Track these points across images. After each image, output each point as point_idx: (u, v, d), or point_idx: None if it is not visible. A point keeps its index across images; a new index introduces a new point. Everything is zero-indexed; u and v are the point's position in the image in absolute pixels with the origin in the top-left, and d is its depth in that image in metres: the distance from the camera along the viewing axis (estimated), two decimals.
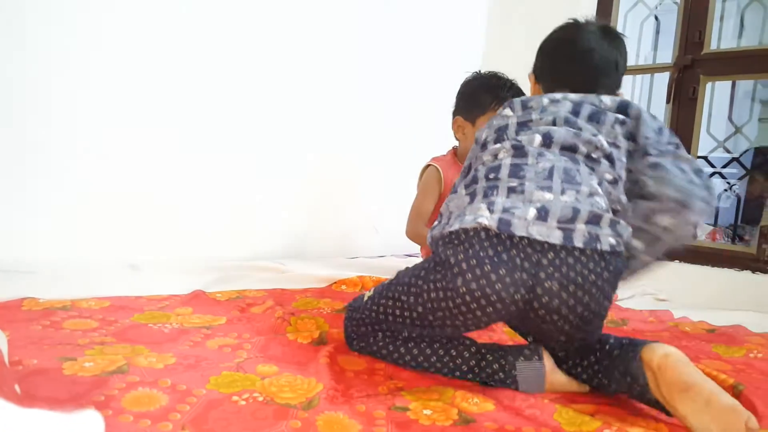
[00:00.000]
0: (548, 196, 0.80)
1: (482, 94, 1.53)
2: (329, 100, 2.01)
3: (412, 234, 1.65)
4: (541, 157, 0.85)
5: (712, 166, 2.07)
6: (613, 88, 1.02)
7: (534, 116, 0.92)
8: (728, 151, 2.14)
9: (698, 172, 0.89)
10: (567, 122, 0.89)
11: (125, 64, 1.52)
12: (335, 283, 1.49)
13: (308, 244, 1.99)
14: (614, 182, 0.87)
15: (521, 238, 0.77)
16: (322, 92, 1.98)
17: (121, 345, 0.87)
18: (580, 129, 0.88)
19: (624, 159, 0.90)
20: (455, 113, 1.62)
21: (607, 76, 1.01)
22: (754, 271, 1.81)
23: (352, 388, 0.78)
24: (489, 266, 0.76)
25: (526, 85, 1.57)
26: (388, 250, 2.24)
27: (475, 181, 0.87)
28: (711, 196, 0.87)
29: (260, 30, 1.81)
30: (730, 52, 2.07)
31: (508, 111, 0.97)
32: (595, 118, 0.90)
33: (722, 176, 2.11)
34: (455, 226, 0.80)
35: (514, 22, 2.43)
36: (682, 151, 0.92)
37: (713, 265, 1.91)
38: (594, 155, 0.87)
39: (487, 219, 0.78)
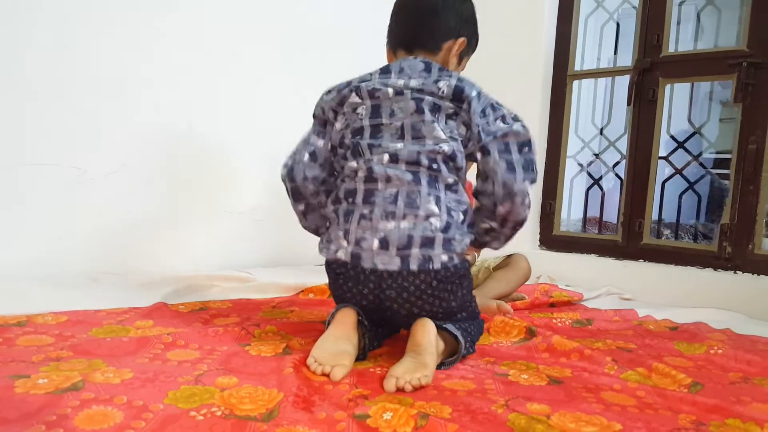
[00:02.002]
0: (390, 225, 0.96)
1: None
2: (292, 105, 1.99)
3: None
4: (389, 183, 0.98)
5: (673, 166, 2.12)
6: (439, 38, 1.07)
7: (384, 120, 1.00)
8: (688, 152, 2.20)
9: (522, 146, 1.00)
10: (413, 128, 0.99)
11: (75, 69, 1.49)
12: (302, 291, 1.48)
13: (276, 251, 1.97)
14: (455, 184, 1.01)
15: (369, 270, 0.96)
16: (285, 97, 1.97)
17: (77, 360, 0.84)
18: (423, 137, 0.98)
19: (462, 150, 1.00)
20: None
21: (423, 26, 1.07)
22: (716, 268, 1.87)
23: (315, 396, 0.78)
24: (345, 287, 1.01)
25: None
26: None
27: (338, 201, 1.02)
28: (529, 175, 1.00)
29: (229, 38, 1.79)
30: (687, 55, 2.13)
31: (356, 99, 1.02)
32: (435, 111, 0.99)
33: (683, 177, 2.16)
34: (327, 255, 1.02)
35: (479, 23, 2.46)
36: (507, 124, 1.02)
37: (676, 264, 1.96)
38: (435, 165, 0.98)
39: (343, 253, 0.98)
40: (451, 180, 0.99)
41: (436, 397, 0.81)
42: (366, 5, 2.14)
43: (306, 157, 1.07)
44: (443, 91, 0.98)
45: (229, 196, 1.84)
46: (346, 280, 0.99)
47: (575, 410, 0.78)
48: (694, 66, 2.07)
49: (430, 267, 0.94)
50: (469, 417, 0.74)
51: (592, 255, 2.18)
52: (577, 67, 2.34)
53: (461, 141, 0.99)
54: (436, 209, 0.97)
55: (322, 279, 1.56)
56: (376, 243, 0.95)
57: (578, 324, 1.37)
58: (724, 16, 2.19)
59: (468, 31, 1.12)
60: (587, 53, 2.39)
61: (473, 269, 1.62)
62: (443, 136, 0.97)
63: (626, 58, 2.24)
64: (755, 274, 1.78)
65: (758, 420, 0.76)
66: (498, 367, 0.97)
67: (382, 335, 1.07)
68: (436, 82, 0.99)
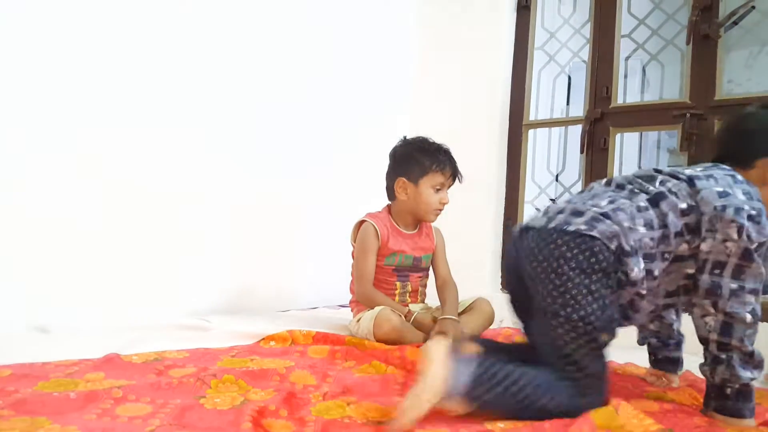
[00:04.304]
0: None
1: (421, 158, 1.65)
2: (246, 150, 2.00)
3: (363, 299, 1.67)
4: None
5: None
6: None
7: None
8: None
9: None
10: None
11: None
12: (263, 339, 1.45)
13: (235, 298, 1.94)
14: None
15: None
16: (239, 141, 1.98)
17: (19, 418, 0.80)
18: None
19: None
20: (395, 174, 1.69)
21: None
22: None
23: None
24: None
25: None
26: (320, 301, 2.22)
27: None
28: None
29: (188, 79, 1.80)
30: (635, 106, 2.26)
31: None
32: None
33: None
34: None
35: (438, 77, 2.56)
36: None
37: None
38: None
39: None
40: None
41: None
42: None
43: None
44: None
45: (186, 240, 1.81)
46: None
47: None
48: (642, 116, 2.20)
49: None
50: None
51: None
52: (531, 117, 2.45)
53: None
54: None
55: (284, 326, 1.54)
56: None
57: None
58: (668, 70, 2.35)
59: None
60: (541, 104, 2.51)
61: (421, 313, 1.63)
62: None
63: (578, 109, 2.36)
64: None
65: None
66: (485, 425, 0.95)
67: None
68: None
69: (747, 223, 1.00)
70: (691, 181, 1.07)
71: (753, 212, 1.02)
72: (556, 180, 2.48)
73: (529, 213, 2.44)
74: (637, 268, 1.03)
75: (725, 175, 1.08)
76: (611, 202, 1.07)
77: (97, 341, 1.26)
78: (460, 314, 1.64)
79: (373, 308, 1.58)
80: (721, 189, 1.04)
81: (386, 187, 1.74)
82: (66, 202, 1.51)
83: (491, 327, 1.67)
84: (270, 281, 2.07)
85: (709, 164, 1.14)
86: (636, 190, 1.10)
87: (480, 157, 2.41)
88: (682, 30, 2.10)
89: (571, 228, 1.03)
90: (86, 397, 0.87)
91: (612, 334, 1.03)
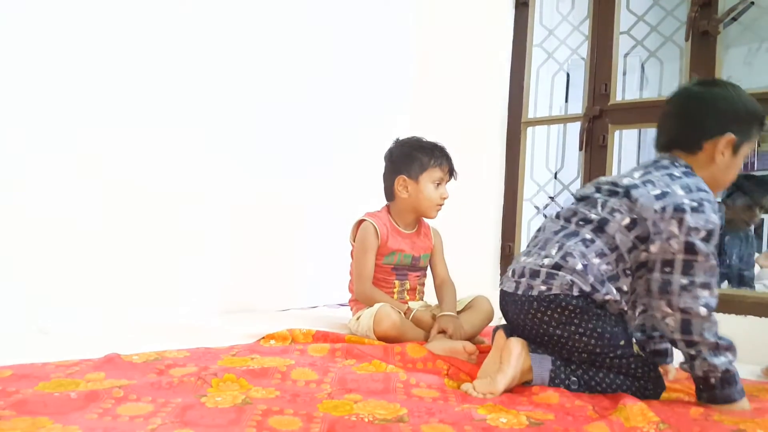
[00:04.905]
0: None
1: (419, 155, 1.68)
2: (246, 150, 2.00)
3: (363, 297, 1.67)
4: None
5: None
6: None
7: None
8: None
9: None
10: None
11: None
12: (263, 338, 1.45)
13: (235, 297, 1.94)
14: None
15: None
16: (240, 141, 1.98)
17: (20, 418, 0.79)
18: None
19: None
20: (395, 174, 1.71)
21: None
22: None
23: None
24: None
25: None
26: (320, 300, 2.22)
27: None
28: None
29: (183, 82, 1.80)
30: (634, 103, 2.26)
31: None
32: None
33: None
34: None
35: (438, 76, 2.56)
36: None
37: None
38: None
39: None
40: None
41: None
42: None
43: None
44: None
45: (187, 240, 1.81)
46: None
47: None
48: (641, 113, 2.20)
49: None
50: None
51: None
52: (530, 115, 2.45)
53: None
54: None
55: (284, 325, 1.55)
56: None
57: None
58: (666, 67, 2.35)
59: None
60: (540, 102, 2.51)
61: (421, 311, 1.64)
62: None
63: (577, 106, 2.36)
64: None
65: None
66: (476, 411, 0.97)
67: None
68: None
69: (688, 217, 1.04)
70: (628, 192, 1.11)
71: (694, 204, 1.06)
72: (555, 177, 2.48)
73: (528, 211, 2.45)
74: (609, 294, 1.11)
75: (663, 175, 1.12)
76: (560, 248, 1.15)
77: (98, 342, 1.26)
78: (459, 312, 1.65)
79: (372, 306, 1.58)
80: (659, 191, 1.08)
81: (385, 188, 1.75)
82: (66, 202, 1.51)
83: (491, 324, 1.67)
84: (270, 281, 2.07)
85: (650, 163, 1.18)
86: (581, 222, 1.16)
87: (480, 155, 2.41)
88: (681, 26, 2.10)
89: (534, 293, 1.14)
90: (87, 397, 0.87)
91: (627, 339, 1.14)
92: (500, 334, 1.18)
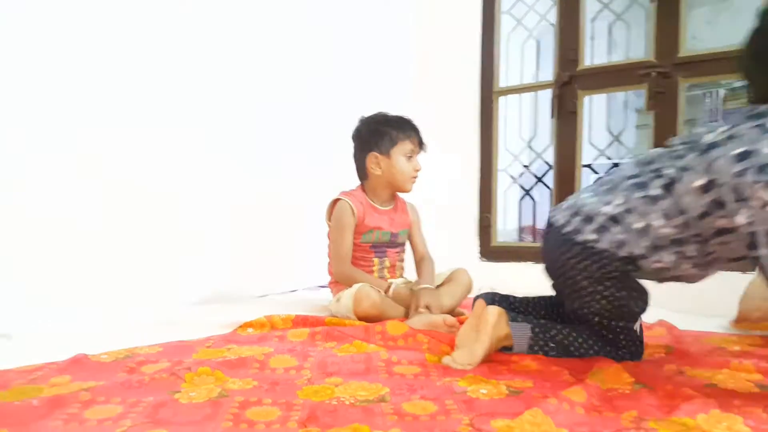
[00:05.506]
0: None
1: (388, 129, 1.65)
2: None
3: (342, 278, 1.65)
4: None
5: (596, 172, 2.22)
6: None
7: None
8: (609, 159, 2.31)
9: None
10: None
11: None
12: (240, 326, 1.41)
13: (212, 285, 1.88)
14: None
15: None
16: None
17: None
18: None
19: None
20: (365, 151, 1.67)
21: None
22: None
23: None
24: None
25: None
26: (299, 284, 2.18)
27: None
28: None
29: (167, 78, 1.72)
30: (602, 68, 2.24)
31: None
32: None
33: None
34: None
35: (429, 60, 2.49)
36: None
37: None
38: None
39: None
40: None
41: (396, 423, 0.78)
42: None
43: None
44: None
45: (158, 226, 1.74)
46: None
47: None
48: (609, 78, 2.19)
49: None
50: None
51: (529, 263, 2.22)
52: (502, 84, 2.42)
53: None
54: None
55: (262, 312, 1.51)
56: None
57: None
58: (633, 30, 2.33)
59: None
60: (510, 70, 2.48)
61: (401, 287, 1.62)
62: None
63: (547, 73, 2.33)
64: None
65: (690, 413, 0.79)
66: (456, 383, 0.96)
67: None
68: None
69: None
70: (707, 150, 0.95)
71: None
72: (529, 146, 2.47)
73: (503, 181, 2.43)
74: (660, 262, 1.04)
75: (753, 127, 0.91)
76: (624, 200, 1.05)
77: (63, 343, 1.20)
78: (439, 285, 1.64)
79: (352, 286, 1.55)
80: (741, 150, 0.90)
81: (357, 168, 1.72)
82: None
83: (470, 296, 1.66)
84: (247, 267, 2.01)
85: (746, 110, 0.96)
86: (653, 174, 1.04)
87: (455, 127, 2.38)
88: None
89: (581, 238, 1.08)
90: (51, 403, 0.82)
91: (640, 312, 1.12)
92: (480, 302, 1.17)
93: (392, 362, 1.09)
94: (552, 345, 1.13)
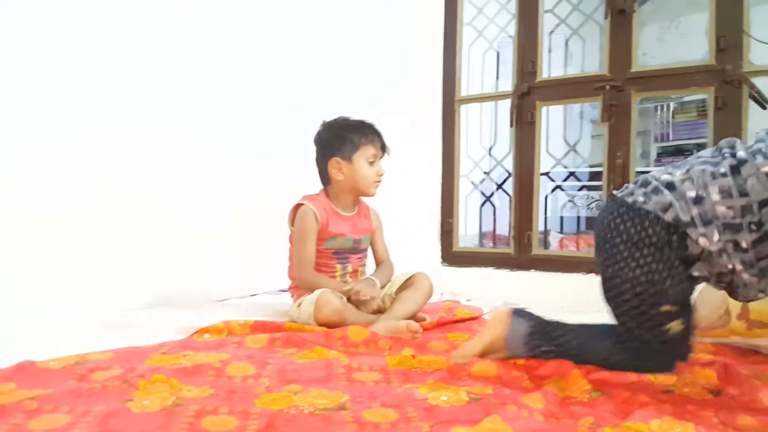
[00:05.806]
0: None
1: (349, 134, 1.65)
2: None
3: (305, 284, 1.63)
4: None
5: (553, 180, 2.28)
6: None
7: None
8: (565, 167, 2.38)
9: None
10: None
11: None
12: (197, 332, 1.37)
13: (169, 287, 1.82)
14: None
15: None
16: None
17: None
18: None
19: None
20: (327, 157, 1.66)
21: None
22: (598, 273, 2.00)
23: None
24: None
25: None
26: (260, 287, 2.15)
27: None
28: None
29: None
30: (559, 80, 2.31)
31: None
32: None
33: (562, 189, 2.33)
34: None
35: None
36: None
37: (563, 272, 2.08)
38: None
39: None
40: None
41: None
42: None
43: None
44: None
45: (111, 226, 1.68)
46: None
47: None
48: (566, 90, 2.26)
49: None
50: None
51: (489, 268, 2.26)
52: (464, 93, 2.46)
53: None
54: None
55: (220, 316, 1.48)
56: None
57: None
58: (588, 45, 2.41)
59: None
60: (472, 80, 2.52)
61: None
62: None
63: (507, 83, 2.39)
64: None
65: (644, 418, 0.81)
66: (417, 390, 0.96)
67: None
68: None
69: None
70: None
71: None
72: (489, 154, 2.52)
73: (465, 187, 2.47)
74: (705, 238, 0.95)
75: None
76: (687, 170, 1.00)
77: (7, 349, 1.14)
78: (399, 289, 1.64)
79: (314, 292, 1.54)
80: None
81: (319, 173, 1.72)
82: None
83: (431, 300, 1.68)
84: (206, 269, 1.97)
85: None
86: (727, 154, 0.98)
87: (422, 135, 2.41)
88: (600, 5, 2.16)
89: (630, 199, 1.03)
90: None
91: (676, 305, 1.00)
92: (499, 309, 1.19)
93: (353, 368, 1.08)
94: (545, 349, 1.09)
